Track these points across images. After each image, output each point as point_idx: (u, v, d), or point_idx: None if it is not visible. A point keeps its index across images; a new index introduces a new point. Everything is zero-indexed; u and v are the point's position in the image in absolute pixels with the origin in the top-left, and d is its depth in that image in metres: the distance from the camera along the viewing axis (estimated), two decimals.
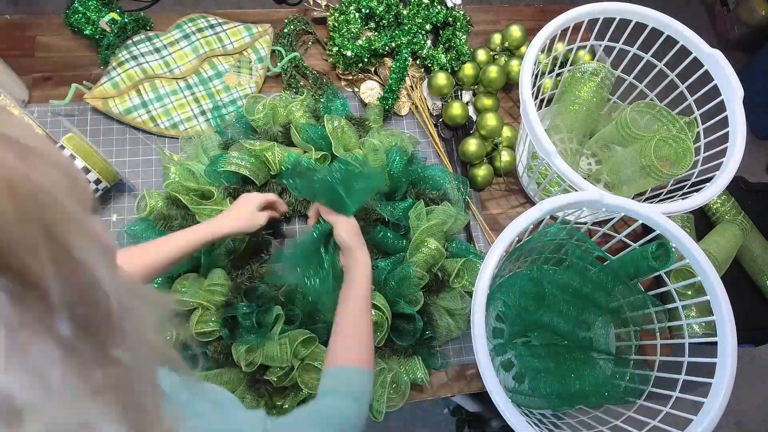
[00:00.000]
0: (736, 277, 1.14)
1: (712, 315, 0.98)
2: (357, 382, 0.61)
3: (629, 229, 0.84)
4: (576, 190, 0.79)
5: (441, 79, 1.04)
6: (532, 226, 0.75)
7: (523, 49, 1.10)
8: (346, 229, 0.71)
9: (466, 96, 1.09)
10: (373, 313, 0.78)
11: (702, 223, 1.18)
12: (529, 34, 1.06)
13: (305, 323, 0.81)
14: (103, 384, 0.29)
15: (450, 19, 1.09)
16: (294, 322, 0.80)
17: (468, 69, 1.06)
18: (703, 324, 0.96)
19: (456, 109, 1.02)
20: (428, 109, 1.07)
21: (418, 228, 0.84)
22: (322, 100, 1.00)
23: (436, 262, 0.85)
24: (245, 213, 0.78)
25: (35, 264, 0.25)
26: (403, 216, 0.87)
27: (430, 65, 1.07)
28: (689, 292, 0.93)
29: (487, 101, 1.05)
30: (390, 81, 1.00)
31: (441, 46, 1.09)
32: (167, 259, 0.70)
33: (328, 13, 1.08)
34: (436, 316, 0.84)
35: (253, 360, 0.76)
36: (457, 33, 1.08)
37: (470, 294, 0.90)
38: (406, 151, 0.93)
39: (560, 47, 1.00)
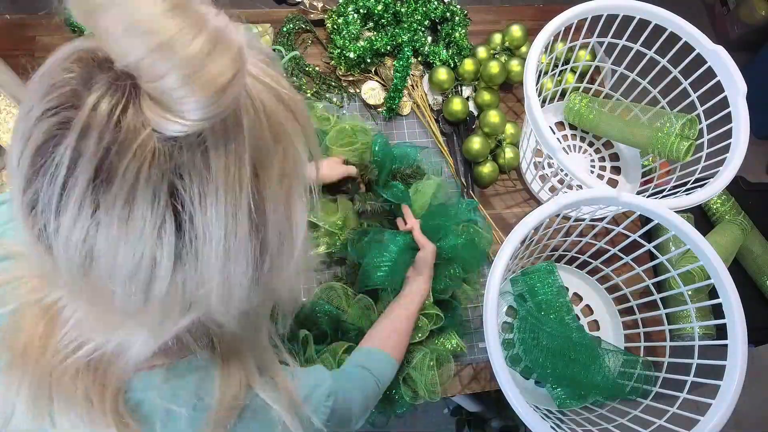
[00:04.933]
0: (736, 277, 1.14)
1: (712, 316, 0.99)
2: (385, 367, 0.69)
3: (628, 221, 0.85)
4: (580, 186, 0.79)
5: (442, 74, 1.04)
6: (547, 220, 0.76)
7: (523, 49, 1.10)
8: (432, 253, 0.82)
9: (467, 91, 1.09)
10: (424, 318, 0.82)
11: (702, 223, 1.18)
12: (530, 34, 1.06)
13: (333, 338, 0.82)
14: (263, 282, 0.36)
15: (447, 14, 1.09)
16: (324, 341, 0.81)
17: (468, 65, 1.06)
18: (703, 325, 0.96)
19: (456, 104, 1.02)
20: (429, 105, 1.07)
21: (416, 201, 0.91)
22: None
23: None
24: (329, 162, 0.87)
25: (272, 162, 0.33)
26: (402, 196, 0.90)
27: (432, 61, 1.07)
28: (690, 293, 0.93)
29: (487, 96, 1.05)
30: (394, 80, 1.00)
31: (441, 41, 1.09)
32: None
33: (325, 16, 1.07)
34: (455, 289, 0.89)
35: None
36: (456, 27, 1.08)
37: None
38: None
39: (560, 46, 1.00)
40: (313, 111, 0.98)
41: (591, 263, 0.96)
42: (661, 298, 0.88)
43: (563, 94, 1.10)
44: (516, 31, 1.08)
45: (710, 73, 0.88)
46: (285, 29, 1.07)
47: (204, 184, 0.29)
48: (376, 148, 0.92)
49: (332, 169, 0.87)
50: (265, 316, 0.43)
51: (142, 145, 0.27)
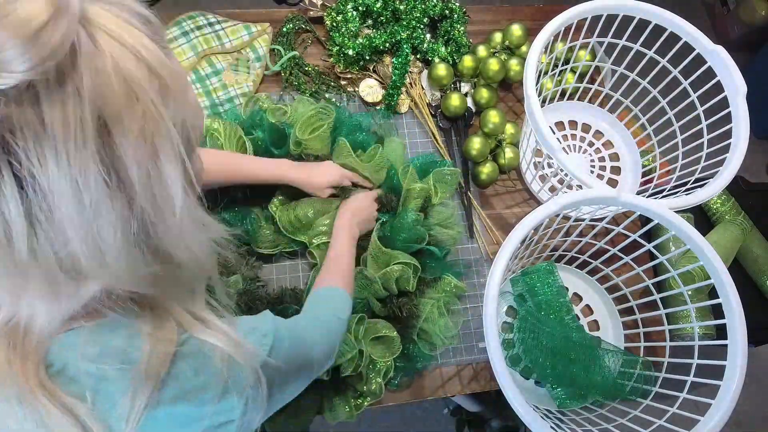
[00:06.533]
0: (736, 277, 1.14)
1: (712, 316, 0.99)
2: (339, 299, 0.71)
3: (628, 221, 0.85)
4: (580, 186, 0.79)
5: (441, 69, 1.04)
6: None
7: (523, 48, 1.09)
8: (356, 200, 0.87)
9: (465, 87, 1.09)
10: (399, 268, 0.83)
11: (702, 223, 1.18)
12: (530, 34, 1.06)
13: None
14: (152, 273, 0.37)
15: (446, 11, 1.09)
16: None
17: (467, 61, 1.06)
18: (703, 325, 0.96)
19: (455, 100, 1.02)
20: (427, 102, 1.07)
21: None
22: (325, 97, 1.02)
23: (422, 198, 0.92)
24: (318, 176, 0.86)
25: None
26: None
27: (430, 58, 1.07)
28: (690, 293, 0.93)
29: (486, 94, 1.05)
30: (393, 77, 1.00)
31: (440, 39, 1.09)
32: (239, 178, 0.82)
33: (324, 13, 1.07)
34: (437, 234, 0.91)
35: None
36: (456, 25, 1.08)
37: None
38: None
39: (560, 46, 1.00)
40: (260, 103, 0.97)
41: (591, 263, 0.96)
42: (661, 298, 0.88)
43: (563, 94, 1.10)
44: (516, 30, 1.08)
45: (710, 73, 0.88)
46: (285, 29, 1.07)
47: (39, 138, 0.28)
48: (345, 120, 0.95)
49: (323, 175, 0.86)
50: (193, 279, 0.42)
51: None
